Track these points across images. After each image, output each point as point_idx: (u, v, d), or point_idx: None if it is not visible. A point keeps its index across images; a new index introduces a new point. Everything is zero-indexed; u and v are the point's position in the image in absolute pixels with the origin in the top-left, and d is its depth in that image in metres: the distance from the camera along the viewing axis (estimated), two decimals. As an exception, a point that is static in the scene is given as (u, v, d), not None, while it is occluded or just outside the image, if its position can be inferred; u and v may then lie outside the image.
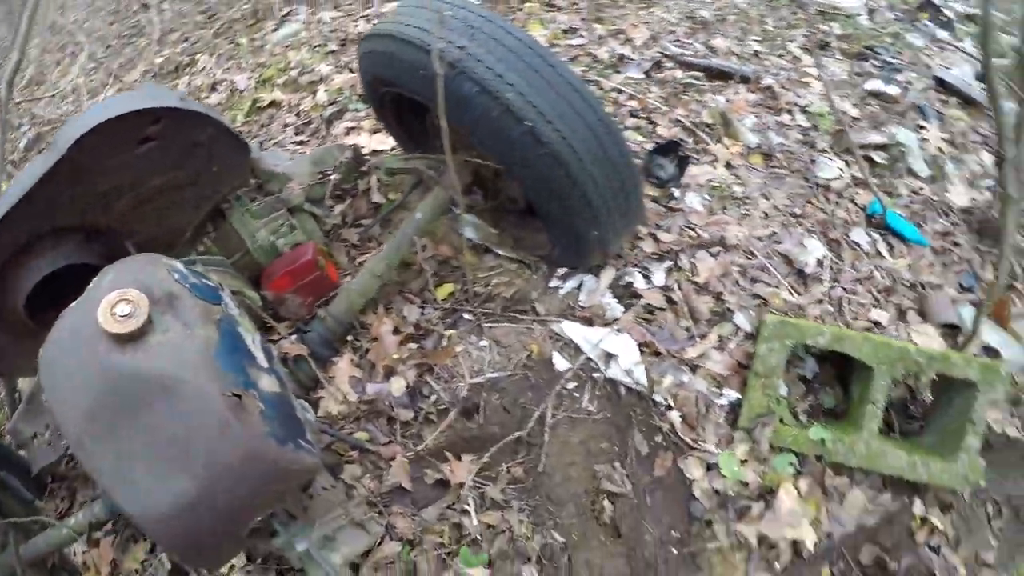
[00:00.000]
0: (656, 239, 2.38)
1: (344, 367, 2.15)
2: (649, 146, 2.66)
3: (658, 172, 2.53)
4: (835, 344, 2.09)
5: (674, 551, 2.01)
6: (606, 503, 2.01)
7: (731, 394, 2.14)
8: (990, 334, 2.57)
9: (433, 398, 2.10)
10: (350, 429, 2.10)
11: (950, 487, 2.14)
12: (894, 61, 3.50)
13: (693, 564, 2.00)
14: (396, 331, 2.21)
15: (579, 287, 2.28)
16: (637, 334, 2.16)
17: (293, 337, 2.15)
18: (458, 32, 1.82)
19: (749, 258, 2.40)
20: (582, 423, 2.08)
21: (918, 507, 2.18)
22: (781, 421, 2.10)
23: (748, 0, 3.91)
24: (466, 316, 2.23)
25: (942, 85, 3.40)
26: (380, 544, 1.90)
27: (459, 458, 2.04)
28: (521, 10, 3.62)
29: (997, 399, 2.13)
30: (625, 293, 2.28)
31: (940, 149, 3.02)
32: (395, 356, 2.16)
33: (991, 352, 2.54)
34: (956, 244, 2.76)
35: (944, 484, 2.12)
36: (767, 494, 2.04)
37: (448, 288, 2.30)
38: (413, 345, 2.19)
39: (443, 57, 1.75)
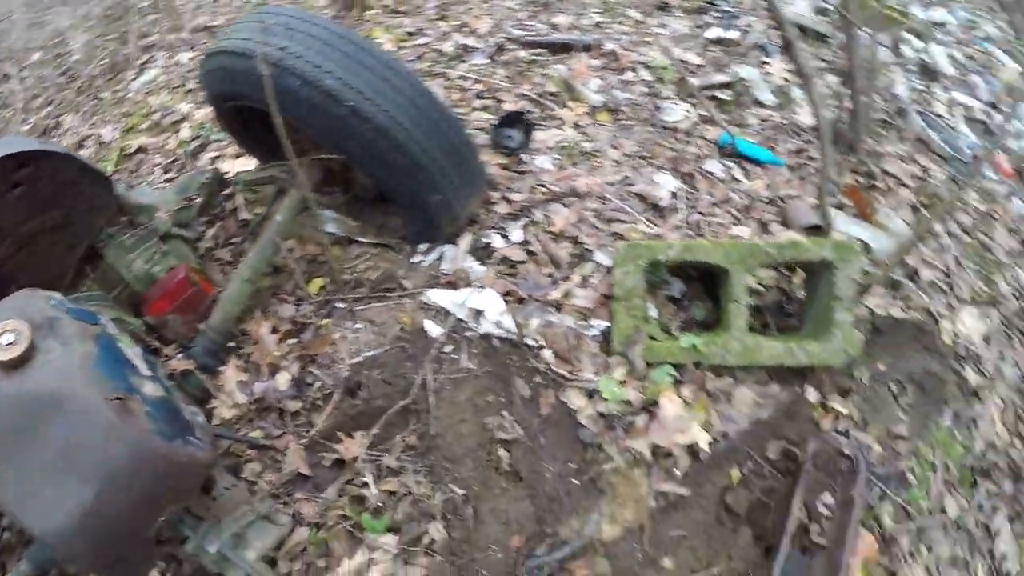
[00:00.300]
0: (509, 201, 2.55)
1: (231, 373, 2.26)
2: (495, 121, 2.84)
3: (506, 142, 2.71)
4: (686, 254, 2.23)
5: (575, 481, 2.11)
6: (502, 451, 2.11)
7: (600, 324, 2.28)
8: (858, 230, 2.76)
9: (317, 384, 2.20)
10: (245, 430, 2.20)
11: (830, 363, 2.26)
12: (733, 10, 3.77)
13: (595, 489, 2.10)
14: (275, 330, 2.33)
15: (440, 257, 2.43)
16: (500, 287, 2.30)
17: (180, 355, 2.30)
18: (279, 35, 2.02)
19: (604, 203, 2.56)
20: (464, 381, 2.18)
21: (812, 395, 2.33)
22: (652, 338, 2.23)
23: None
24: (339, 305, 2.35)
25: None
26: (291, 533, 1.99)
27: (351, 436, 2.13)
28: (367, 20, 3.85)
29: (855, 274, 2.26)
30: (485, 254, 2.43)
31: (785, 79, 3.27)
32: (276, 353, 2.29)
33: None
34: (811, 158, 2.96)
35: (824, 362, 2.25)
36: (650, 406, 2.15)
37: (319, 282, 2.43)
38: (292, 340, 2.30)
39: (266, 59, 1.96)
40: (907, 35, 4.19)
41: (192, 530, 1.82)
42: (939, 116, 3.71)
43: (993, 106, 4.17)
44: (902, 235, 2.79)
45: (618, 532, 2.08)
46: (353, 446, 2.13)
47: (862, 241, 2.71)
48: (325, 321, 2.34)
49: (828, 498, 2.21)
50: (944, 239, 2.99)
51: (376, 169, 2.17)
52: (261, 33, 2.03)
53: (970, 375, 2.67)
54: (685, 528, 2.13)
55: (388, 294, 2.37)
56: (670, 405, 2.14)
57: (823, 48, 3.57)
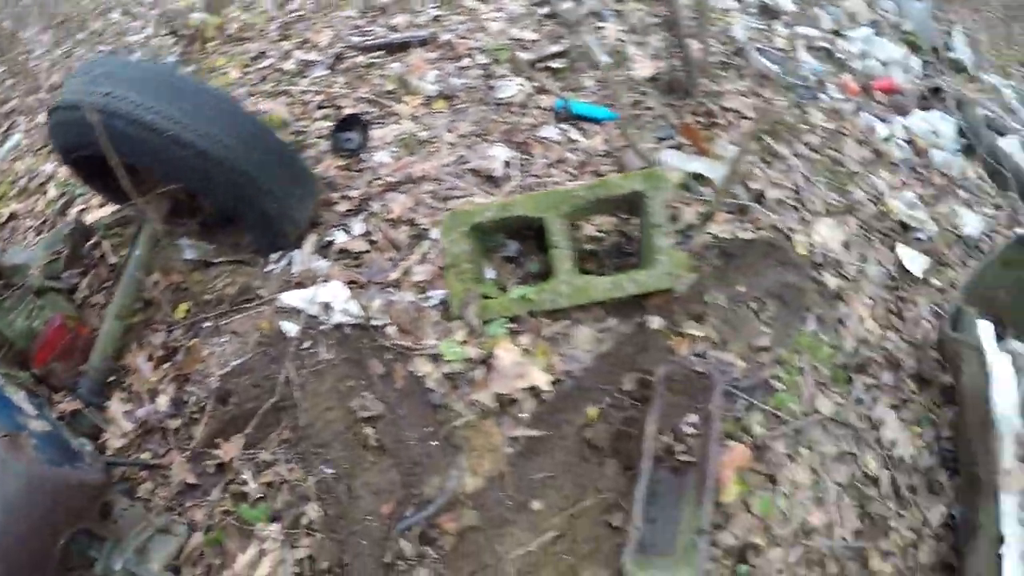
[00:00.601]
0: (348, 198, 2.79)
1: (116, 406, 2.51)
2: (333, 126, 3.08)
3: (346, 145, 2.96)
4: (503, 212, 2.45)
5: (433, 443, 2.31)
6: (367, 429, 2.32)
7: (438, 294, 2.51)
8: (696, 164, 2.99)
9: (193, 400, 2.44)
10: (135, 454, 2.45)
11: (660, 288, 2.42)
12: None
13: (451, 447, 2.29)
14: (150, 358, 2.57)
15: (289, 262, 2.66)
16: (344, 277, 2.54)
17: (68, 399, 2.57)
18: (103, 83, 2.28)
19: (439, 183, 2.79)
20: (325, 371, 2.41)
21: (657, 323, 2.48)
22: (486, 297, 2.45)
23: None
24: (205, 324, 2.59)
25: (619, -14, 3.98)
26: (188, 540, 2.22)
27: (228, 440, 2.36)
28: (211, 52, 4.03)
29: (667, 198, 2.45)
30: (331, 251, 2.67)
31: (620, 39, 3.54)
32: (153, 379, 2.53)
33: (701, 178, 2.96)
34: (648, 108, 3.19)
35: (654, 287, 2.41)
36: (489, 359, 2.35)
37: (184, 307, 2.66)
38: (167, 364, 2.55)
39: (93, 106, 2.21)
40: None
41: (98, 552, 2.07)
42: (780, 50, 3.97)
43: (836, 33, 4.45)
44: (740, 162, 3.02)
45: (480, 483, 2.27)
46: (231, 449, 2.37)
47: (701, 175, 2.95)
48: (193, 341, 2.57)
49: (693, 417, 2.35)
50: (791, 160, 3.20)
51: (209, 191, 2.44)
52: (88, 83, 2.31)
53: (830, 280, 2.85)
54: (549, 469, 2.30)
55: (247, 305, 2.61)
56: (506, 354, 2.35)
57: (656, 6, 3.84)
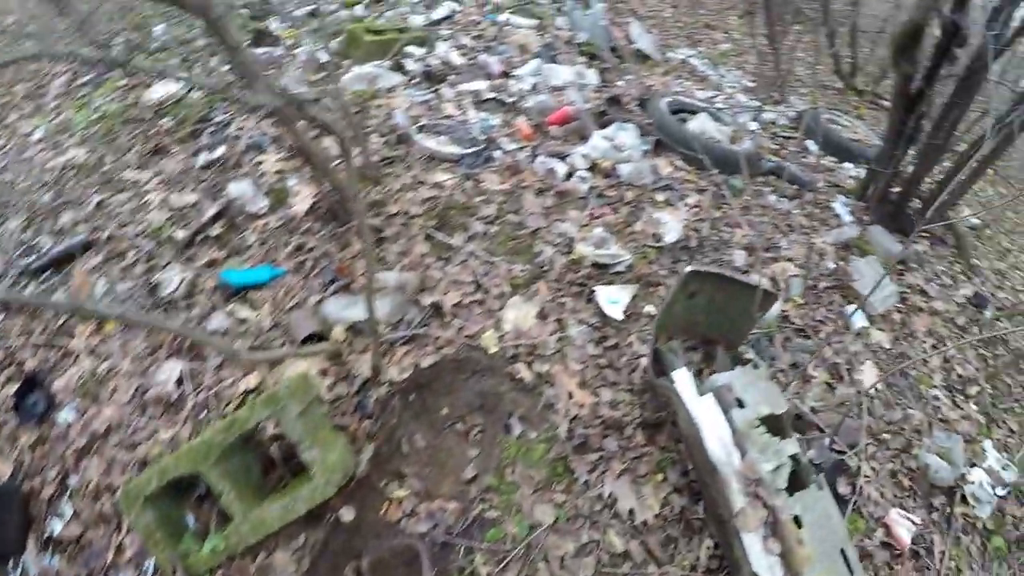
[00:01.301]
0: (49, 481, 3.00)
1: None
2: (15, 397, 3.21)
3: (34, 411, 3.14)
4: (164, 477, 2.69)
5: None
6: None
7: (152, 563, 2.78)
8: (353, 311, 3.15)
9: None
10: None
11: (328, 496, 2.70)
12: (224, 117, 4.09)
13: None
14: None
15: (23, 569, 2.89)
16: (72, 574, 2.82)
17: None
18: None
19: (125, 430, 3.02)
20: None
21: (348, 514, 2.76)
22: (187, 558, 2.74)
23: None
24: None
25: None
26: None
27: None
28: None
29: (299, 409, 2.68)
30: (52, 546, 2.90)
31: (280, 170, 3.62)
32: None
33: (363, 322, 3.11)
34: (310, 249, 3.33)
35: (321, 499, 2.69)
36: None
37: None
38: None
39: None
40: (409, 49, 4.46)
41: None
42: (446, 118, 4.04)
43: (505, 75, 4.46)
44: (406, 282, 3.20)
45: None
46: None
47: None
48: None
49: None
50: (467, 247, 3.37)
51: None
52: None
53: (523, 371, 3.04)
54: None
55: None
56: (220, 621, 2.71)
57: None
